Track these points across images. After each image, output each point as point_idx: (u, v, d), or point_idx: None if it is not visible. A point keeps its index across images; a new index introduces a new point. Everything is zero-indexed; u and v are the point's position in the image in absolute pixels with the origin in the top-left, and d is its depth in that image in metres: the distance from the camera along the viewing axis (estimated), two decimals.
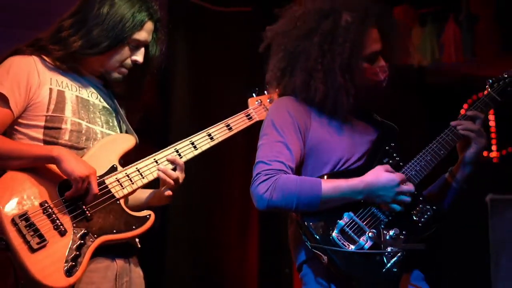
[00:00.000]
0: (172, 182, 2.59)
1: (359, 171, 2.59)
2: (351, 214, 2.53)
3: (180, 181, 2.62)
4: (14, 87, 2.48)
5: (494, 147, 6.23)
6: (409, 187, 2.53)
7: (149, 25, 2.62)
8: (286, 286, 5.35)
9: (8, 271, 2.37)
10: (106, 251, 2.46)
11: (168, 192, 2.62)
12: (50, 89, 2.53)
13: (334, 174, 2.59)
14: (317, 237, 2.48)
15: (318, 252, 2.48)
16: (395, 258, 2.47)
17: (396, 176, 2.53)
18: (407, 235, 2.53)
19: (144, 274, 2.66)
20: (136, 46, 2.61)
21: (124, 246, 2.53)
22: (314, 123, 2.64)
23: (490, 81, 2.79)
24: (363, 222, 2.52)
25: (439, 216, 2.60)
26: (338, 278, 2.50)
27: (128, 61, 2.62)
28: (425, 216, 2.58)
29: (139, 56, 2.62)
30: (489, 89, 2.77)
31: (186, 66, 5.40)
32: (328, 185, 2.51)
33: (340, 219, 2.51)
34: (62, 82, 2.56)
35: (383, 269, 2.46)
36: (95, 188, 2.42)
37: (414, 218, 2.57)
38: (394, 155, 2.68)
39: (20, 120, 2.51)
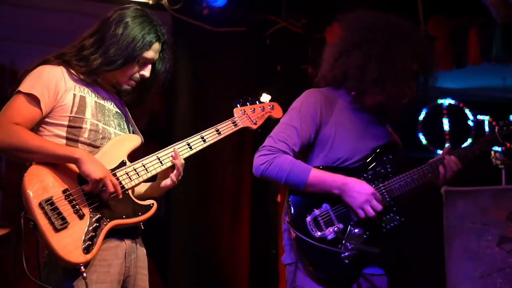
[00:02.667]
0: (180, 168, 2.63)
1: (350, 171, 2.62)
2: (328, 206, 2.56)
3: (181, 171, 2.67)
4: (44, 91, 2.51)
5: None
6: (378, 204, 2.53)
7: (156, 46, 2.65)
8: (273, 265, 5.41)
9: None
10: (116, 233, 2.51)
11: (165, 182, 2.67)
12: (74, 95, 2.57)
13: (326, 168, 2.64)
14: (294, 215, 2.54)
15: (290, 227, 2.54)
16: (349, 253, 2.51)
17: (373, 190, 2.54)
18: (369, 236, 2.56)
19: (150, 255, 2.70)
20: (144, 63, 2.65)
21: (131, 228, 2.59)
22: (333, 118, 2.67)
23: (500, 123, 2.72)
24: (335, 216, 2.55)
25: (403, 228, 2.62)
26: (303, 257, 2.55)
27: (137, 75, 2.66)
28: (391, 224, 2.59)
29: (146, 72, 2.66)
30: (496, 130, 2.71)
31: (188, 79, 5.45)
32: (315, 174, 2.54)
33: (317, 208, 2.55)
34: (83, 90, 2.61)
35: (336, 259, 2.52)
36: (110, 188, 2.46)
37: (382, 224, 2.59)
38: (388, 166, 2.67)
39: (47, 120, 2.54)
